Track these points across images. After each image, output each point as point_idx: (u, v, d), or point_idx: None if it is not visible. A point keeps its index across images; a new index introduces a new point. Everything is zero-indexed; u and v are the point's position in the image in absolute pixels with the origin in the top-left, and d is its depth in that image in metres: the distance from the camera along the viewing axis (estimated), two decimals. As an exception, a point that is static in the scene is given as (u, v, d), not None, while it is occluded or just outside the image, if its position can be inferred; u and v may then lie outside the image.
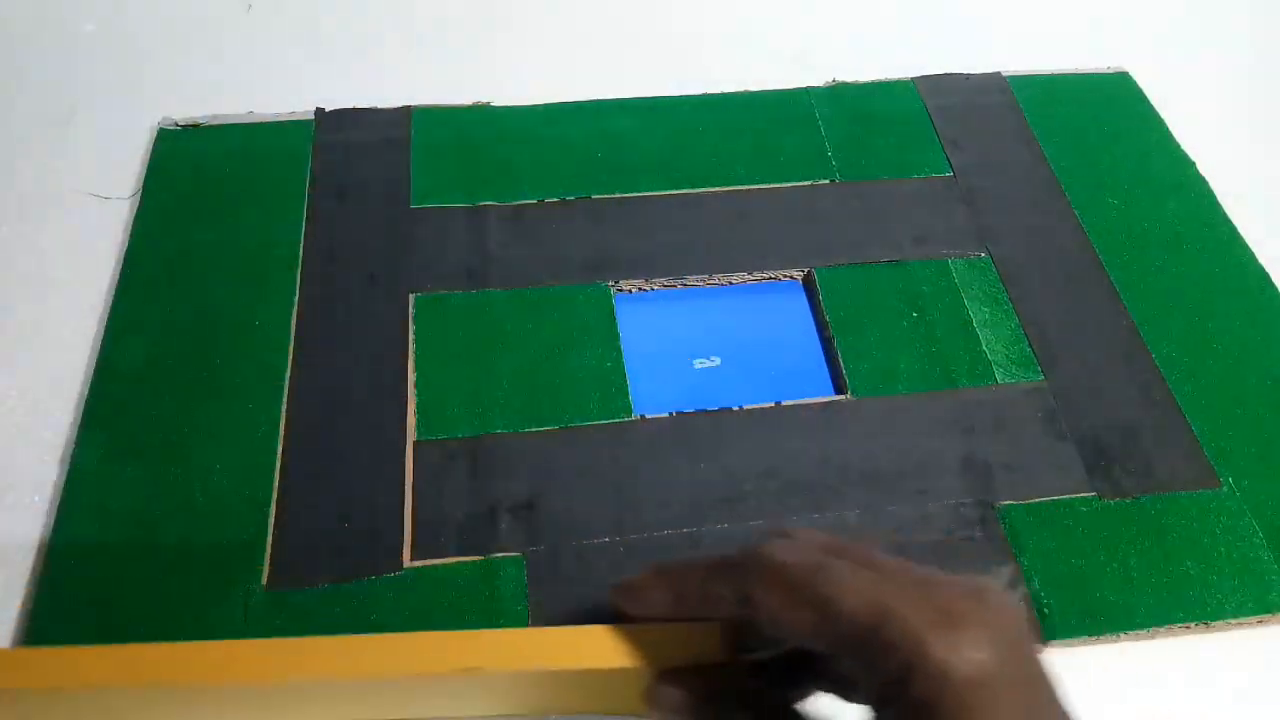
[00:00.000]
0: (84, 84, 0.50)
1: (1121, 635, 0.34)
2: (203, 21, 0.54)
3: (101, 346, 0.40)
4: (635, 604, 0.26)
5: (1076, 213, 0.47)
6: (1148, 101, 0.53)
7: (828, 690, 0.26)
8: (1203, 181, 0.49)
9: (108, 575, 0.34)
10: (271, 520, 0.35)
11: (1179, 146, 0.50)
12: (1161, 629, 0.34)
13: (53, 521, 0.35)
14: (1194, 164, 0.49)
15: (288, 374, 0.39)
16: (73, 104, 0.49)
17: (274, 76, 0.51)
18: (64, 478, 0.36)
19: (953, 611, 0.21)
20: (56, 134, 0.48)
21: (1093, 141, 0.50)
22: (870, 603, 0.22)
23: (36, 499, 0.36)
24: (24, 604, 0.33)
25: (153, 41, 0.53)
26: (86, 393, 0.38)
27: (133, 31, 0.53)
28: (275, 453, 0.37)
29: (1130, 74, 0.54)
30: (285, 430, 0.38)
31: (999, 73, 0.53)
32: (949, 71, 0.53)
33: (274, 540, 0.35)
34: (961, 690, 0.20)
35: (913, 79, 0.52)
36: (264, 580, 0.34)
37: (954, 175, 0.48)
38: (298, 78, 0.51)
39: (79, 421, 0.37)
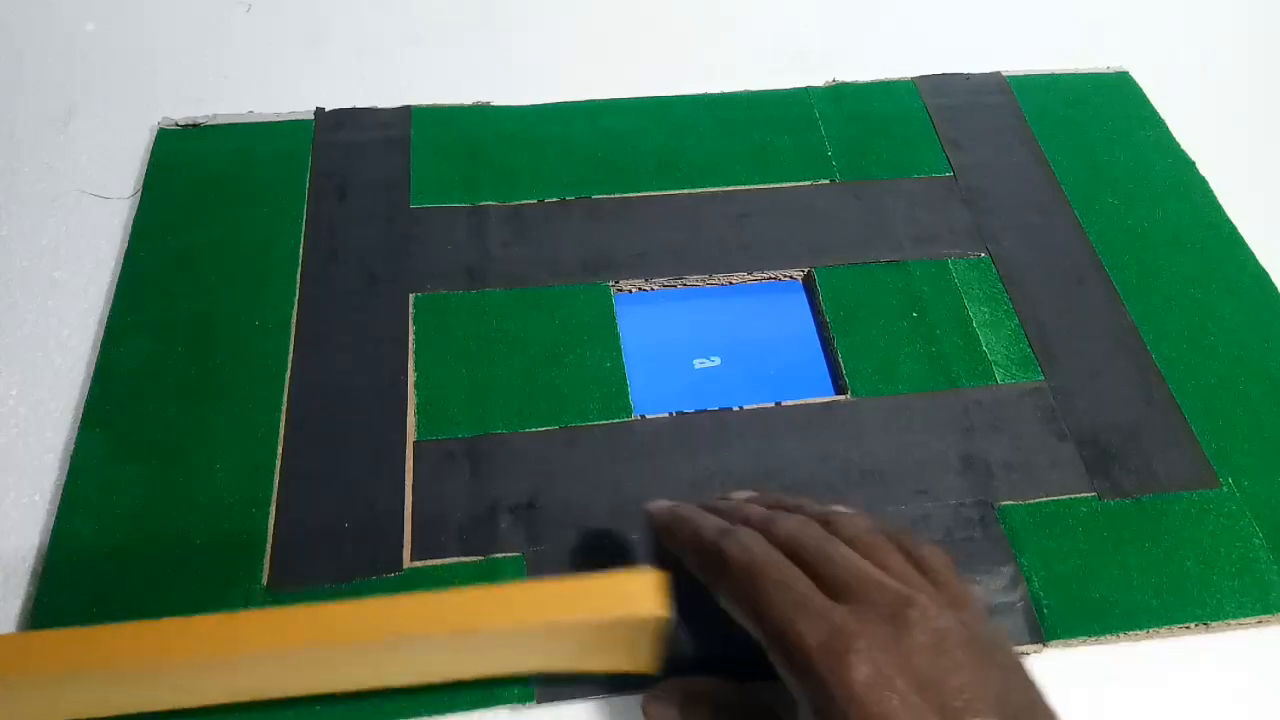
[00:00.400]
0: (84, 84, 0.50)
1: (1121, 635, 0.34)
2: (203, 21, 0.54)
3: (101, 346, 0.40)
4: (658, 530, 0.31)
5: (1076, 213, 0.47)
6: (1148, 101, 0.53)
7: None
8: (1203, 181, 0.49)
9: (108, 575, 0.34)
10: (271, 520, 0.35)
11: (1179, 146, 0.50)
12: (1161, 629, 0.34)
13: (53, 521, 0.35)
14: (1194, 164, 0.49)
15: (288, 374, 0.39)
16: (73, 104, 0.49)
17: (274, 76, 0.51)
18: (64, 478, 0.36)
19: (846, 634, 0.24)
20: (56, 134, 0.48)
21: (1093, 141, 0.50)
22: (779, 617, 0.25)
23: (36, 499, 0.36)
24: (24, 604, 0.33)
25: (153, 41, 0.53)
26: (86, 393, 0.38)
27: (133, 31, 0.53)
28: (275, 453, 0.37)
29: (1130, 74, 0.54)
30: (285, 430, 0.38)
31: (999, 73, 0.53)
32: (949, 71, 0.53)
33: (274, 540, 0.35)
34: (843, 708, 0.23)
35: (913, 79, 0.52)
36: (264, 580, 0.34)
37: (954, 175, 0.48)
38: (298, 78, 0.51)
39: (79, 421, 0.37)
